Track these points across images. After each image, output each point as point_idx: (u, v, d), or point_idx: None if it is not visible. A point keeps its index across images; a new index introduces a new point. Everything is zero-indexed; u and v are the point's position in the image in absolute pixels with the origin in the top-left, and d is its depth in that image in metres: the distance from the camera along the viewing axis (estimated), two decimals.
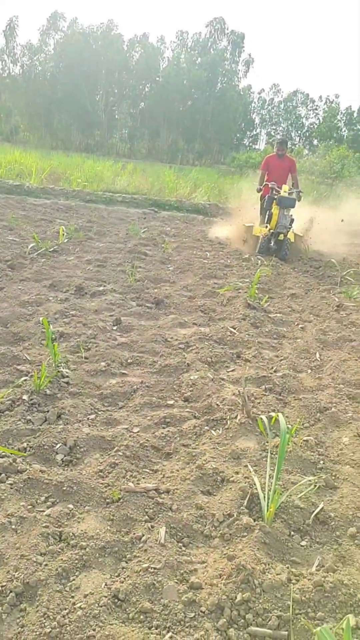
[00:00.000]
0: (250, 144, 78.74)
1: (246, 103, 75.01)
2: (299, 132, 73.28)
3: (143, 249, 8.43)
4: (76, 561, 1.95)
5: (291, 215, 8.69)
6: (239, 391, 3.39)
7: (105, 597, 1.79)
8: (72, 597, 1.80)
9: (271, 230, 8.77)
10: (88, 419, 3.04)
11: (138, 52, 66.14)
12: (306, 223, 9.75)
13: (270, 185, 9.07)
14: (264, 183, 9.30)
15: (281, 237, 8.73)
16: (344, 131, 66.91)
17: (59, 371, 3.50)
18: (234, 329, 4.92)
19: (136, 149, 65.87)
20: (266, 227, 8.92)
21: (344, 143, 46.75)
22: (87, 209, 12.70)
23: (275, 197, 8.77)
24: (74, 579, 1.89)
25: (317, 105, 74.73)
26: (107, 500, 2.30)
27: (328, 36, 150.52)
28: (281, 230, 8.60)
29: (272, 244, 8.82)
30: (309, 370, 4.18)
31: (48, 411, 3.03)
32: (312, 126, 71.37)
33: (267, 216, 8.94)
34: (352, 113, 69.15)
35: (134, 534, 2.10)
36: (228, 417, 3.17)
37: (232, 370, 4.03)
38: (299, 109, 76.36)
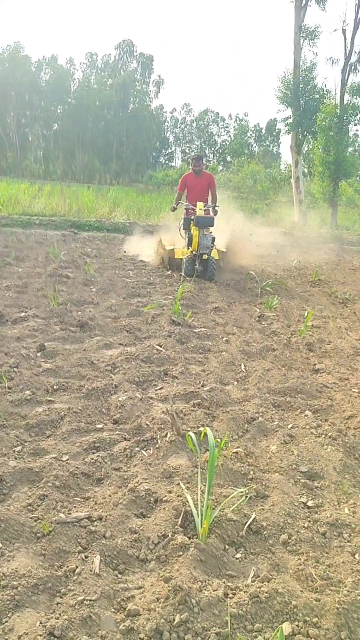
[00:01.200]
0: (167, 162, 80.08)
1: (159, 122, 76.36)
2: (212, 149, 75.44)
3: (64, 272, 8.31)
4: (8, 602, 1.87)
5: (211, 233, 8.47)
6: (167, 409, 3.40)
7: (41, 636, 1.72)
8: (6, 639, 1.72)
9: (194, 252, 8.50)
10: (14, 451, 2.94)
11: (47, 73, 65.75)
12: (227, 237, 9.71)
13: (185, 206, 8.95)
14: (179, 202, 9.20)
15: (205, 257, 8.44)
16: (255, 147, 69.54)
17: None
18: (160, 346, 4.94)
19: (52, 170, 65.16)
20: (188, 249, 8.66)
21: (255, 158, 48.52)
22: (3, 234, 12.36)
23: (192, 218, 8.56)
24: (6, 621, 1.80)
25: (227, 123, 77.29)
26: (38, 535, 2.22)
27: (234, 56, 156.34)
28: (204, 251, 8.33)
29: (197, 266, 8.51)
30: (235, 382, 4.26)
31: None
32: (224, 143, 73.64)
33: (187, 238, 8.71)
34: (261, 130, 72.09)
35: (68, 566, 2.05)
36: (158, 436, 3.17)
37: (160, 388, 4.04)
38: (210, 126, 78.64)
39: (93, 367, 4.35)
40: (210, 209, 8.79)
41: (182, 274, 8.57)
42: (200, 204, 8.62)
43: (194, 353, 4.96)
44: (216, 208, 8.92)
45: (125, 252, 11.37)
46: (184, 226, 8.99)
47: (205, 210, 8.60)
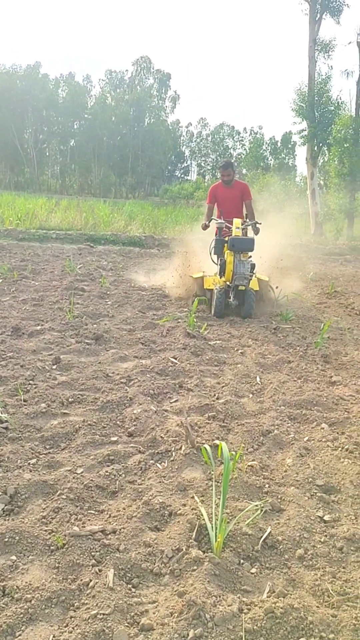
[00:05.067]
0: (182, 176, 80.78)
1: (175, 137, 77.16)
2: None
3: (80, 285, 8.37)
4: (21, 615, 1.87)
5: (250, 259, 6.86)
6: (181, 422, 3.39)
7: None
8: None
9: (227, 283, 6.92)
10: (29, 464, 2.95)
11: (64, 90, 66.94)
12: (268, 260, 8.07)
13: (217, 224, 7.23)
14: (211, 218, 7.51)
15: (241, 287, 6.82)
16: (271, 160, 69.78)
17: None
18: (175, 359, 4.94)
19: (68, 185, 66.07)
20: (221, 277, 7.06)
21: (271, 171, 48.68)
22: (20, 248, 12.53)
23: (226, 239, 6.93)
24: (20, 634, 1.80)
25: (242, 137, 77.83)
26: (52, 548, 2.22)
27: (249, 71, 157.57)
28: (240, 282, 6.72)
29: (231, 299, 6.89)
30: (251, 395, 4.24)
31: None
32: (239, 156, 74.09)
33: (219, 265, 7.09)
34: (276, 143, 72.35)
35: (81, 580, 2.04)
36: (173, 448, 3.16)
37: (175, 401, 4.03)
38: (226, 140, 79.19)
39: (108, 380, 4.36)
40: (250, 227, 7.17)
41: (213, 313, 6.95)
42: (237, 221, 7.03)
43: (209, 365, 4.95)
44: (257, 225, 7.15)
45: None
46: (215, 249, 7.23)
47: (243, 229, 7.03)
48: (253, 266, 6.83)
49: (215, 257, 7.36)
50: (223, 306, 6.85)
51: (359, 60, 24.50)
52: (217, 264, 7.26)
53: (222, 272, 6.97)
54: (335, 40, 24.72)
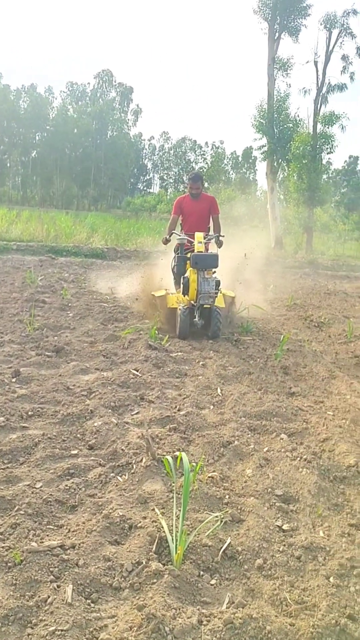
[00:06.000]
0: (145, 189, 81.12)
1: (138, 149, 77.54)
2: (188, 176, 77.11)
3: (41, 297, 8.28)
4: None
5: (215, 276, 6.40)
6: (142, 434, 3.38)
7: None
8: None
9: (192, 302, 6.45)
10: None
11: (26, 101, 66.54)
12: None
13: (178, 240, 6.85)
14: (172, 232, 7.11)
15: (207, 306, 6.42)
16: (232, 174, 70.89)
17: None
18: (137, 371, 4.93)
19: (30, 196, 65.38)
20: (185, 296, 6.55)
21: (232, 185, 49.43)
22: None
23: (188, 255, 6.60)
24: None
25: (204, 151, 78.86)
26: (9, 564, 2.17)
27: (211, 86, 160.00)
28: (205, 301, 6.28)
29: (196, 319, 6.48)
30: (212, 406, 4.26)
31: None
32: (202, 169, 74.93)
33: (182, 284, 6.54)
34: (237, 157, 73.61)
35: (39, 596, 2.00)
36: (134, 461, 3.15)
37: (137, 413, 4.02)
38: (188, 154, 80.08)
39: (69, 393, 4.32)
40: (214, 239, 6.86)
41: (177, 335, 6.45)
42: (199, 235, 6.65)
43: (171, 377, 4.96)
44: (220, 238, 6.89)
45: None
46: (177, 267, 6.87)
47: (205, 244, 6.67)
48: (218, 283, 6.41)
49: (178, 276, 6.99)
50: (188, 327, 6.40)
51: (316, 79, 25.12)
52: (179, 283, 6.81)
53: (185, 290, 6.46)
54: (294, 59, 25.41)
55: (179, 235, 6.92)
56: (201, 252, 6.42)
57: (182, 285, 6.55)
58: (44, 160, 65.24)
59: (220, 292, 6.72)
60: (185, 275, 6.59)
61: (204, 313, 6.48)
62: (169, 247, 7.70)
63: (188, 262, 6.61)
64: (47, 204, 60.06)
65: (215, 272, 6.45)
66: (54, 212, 30.60)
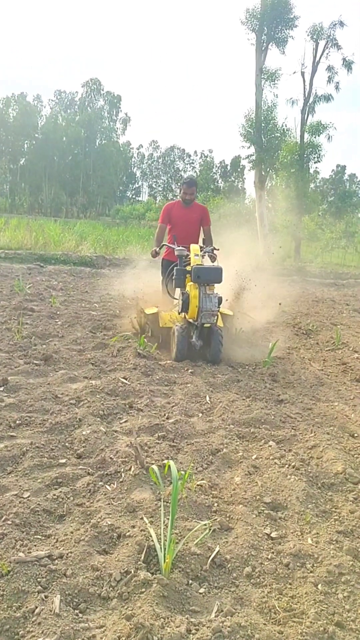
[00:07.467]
0: (134, 197, 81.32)
1: (126, 158, 77.80)
2: (178, 184, 77.51)
3: (29, 305, 8.25)
4: None
5: (216, 293, 5.72)
6: (131, 442, 3.38)
7: None
8: None
9: (190, 320, 5.83)
10: None
11: (15, 109, 66.65)
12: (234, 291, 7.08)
13: (177, 252, 6.13)
14: (162, 244, 6.68)
15: (207, 325, 5.69)
16: (220, 183, 71.33)
17: None
18: (126, 379, 4.93)
19: (18, 204, 65.18)
20: (180, 314, 6.00)
21: (221, 194, 49.71)
22: None
23: (189, 268, 5.91)
24: None
25: (193, 159, 79.32)
26: None
27: (200, 95, 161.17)
28: (207, 320, 5.60)
29: (194, 339, 5.75)
30: (200, 414, 4.27)
31: None
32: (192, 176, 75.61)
33: (181, 301, 5.88)
34: (226, 166, 74.12)
35: (27, 607, 1.99)
36: (122, 469, 3.14)
37: (125, 421, 4.01)
38: (176, 162, 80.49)
39: (57, 401, 4.30)
40: (208, 253, 6.23)
41: (174, 358, 5.81)
42: (195, 248, 6.07)
43: (159, 385, 4.95)
44: (215, 252, 6.29)
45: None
46: (176, 282, 6.10)
47: (202, 256, 6.03)
48: (220, 300, 5.75)
49: (171, 290, 6.41)
50: (186, 349, 5.74)
51: (304, 89, 25.44)
52: (173, 298, 6.34)
53: (184, 308, 5.80)
54: (281, 69, 25.71)
55: (177, 248, 6.21)
56: (201, 265, 5.76)
57: (181, 302, 5.89)
58: (32, 168, 65.28)
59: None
60: (185, 290, 5.95)
61: (203, 333, 5.78)
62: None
63: (188, 276, 5.93)
64: (35, 212, 60.00)
65: (215, 287, 5.81)
66: (42, 220, 30.54)
